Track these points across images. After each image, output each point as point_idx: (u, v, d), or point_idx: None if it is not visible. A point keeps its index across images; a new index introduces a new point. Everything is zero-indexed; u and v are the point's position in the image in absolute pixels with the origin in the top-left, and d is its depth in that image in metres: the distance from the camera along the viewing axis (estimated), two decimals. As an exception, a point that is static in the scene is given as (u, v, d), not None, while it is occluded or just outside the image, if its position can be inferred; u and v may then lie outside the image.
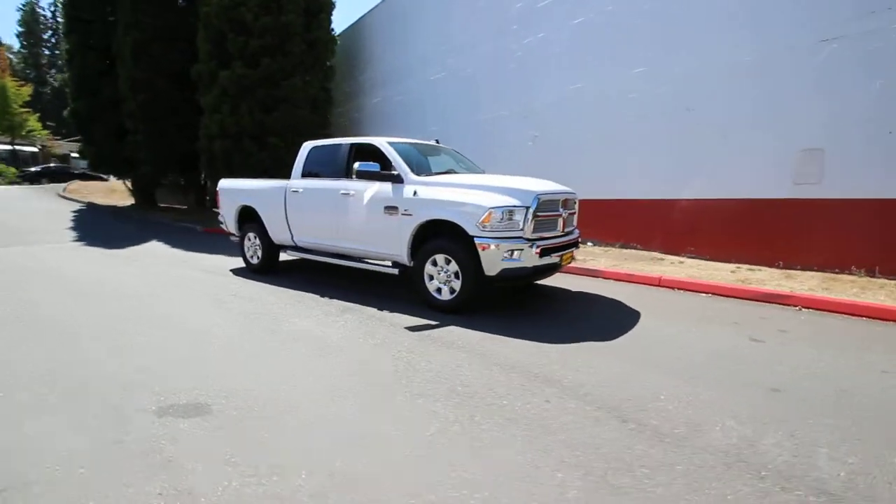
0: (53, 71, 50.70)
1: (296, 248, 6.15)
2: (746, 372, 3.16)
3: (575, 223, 5.11)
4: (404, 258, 4.84)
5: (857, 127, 5.42)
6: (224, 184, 7.14)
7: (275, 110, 12.64)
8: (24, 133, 30.66)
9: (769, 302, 4.89)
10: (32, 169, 29.18)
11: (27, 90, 30.14)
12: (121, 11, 13.89)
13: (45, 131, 34.42)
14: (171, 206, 17.72)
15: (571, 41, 8.37)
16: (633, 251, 7.51)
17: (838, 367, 3.25)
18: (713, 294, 5.27)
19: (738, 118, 6.42)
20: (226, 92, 12.30)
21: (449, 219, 4.36)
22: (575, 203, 4.98)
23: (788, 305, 4.75)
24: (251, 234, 6.64)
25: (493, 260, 4.19)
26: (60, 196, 19.96)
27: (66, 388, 2.74)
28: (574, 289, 5.60)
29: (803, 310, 4.65)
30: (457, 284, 4.43)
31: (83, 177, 26.64)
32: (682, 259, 6.89)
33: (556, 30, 8.63)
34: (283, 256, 6.64)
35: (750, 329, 4.07)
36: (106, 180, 25.02)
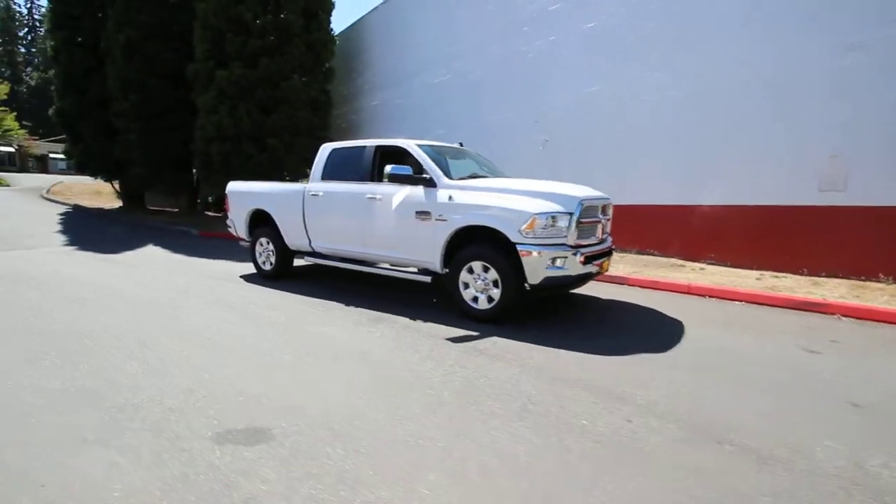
0: (30, 69, 49.19)
1: (313, 254, 5.91)
2: (816, 385, 3.05)
3: (609, 230, 5.00)
4: (436, 265, 4.66)
5: (882, 134, 5.43)
6: (233, 186, 6.86)
7: (274, 112, 12.35)
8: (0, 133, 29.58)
9: (805, 310, 4.83)
10: None
11: (4, 88, 29.10)
12: (113, 8, 13.41)
13: (22, 131, 33.29)
14: (161, 209, 17.18)
15: (584, 44, 8.30)
16: (651, 257, 7.45)
17: (905, 379, 3.18)
18: (746, 302, 5.20)
19: (759, 123, 6.41)
20: (224, 92, 11.97)
21: (489, 225, 4.19)
22: (610, 209, 4.86)
23: (826, 314, 4.70)
24: (263, 240, 6.37)
25: (537, 268, 4.03)
26: (44, 198, 19.22)
27: (109, 414, 2.49)
28: (602, 296, 5.48)
29: (842, 318, 4.60)
30: (495, 293, 4.26)
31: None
32: (702, 266, 6.84)
33: (568, 33, 8.56)
34: (296, 262, 6.41)
35: (800, 339, 3.99)
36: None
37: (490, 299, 4.31)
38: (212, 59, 12.10)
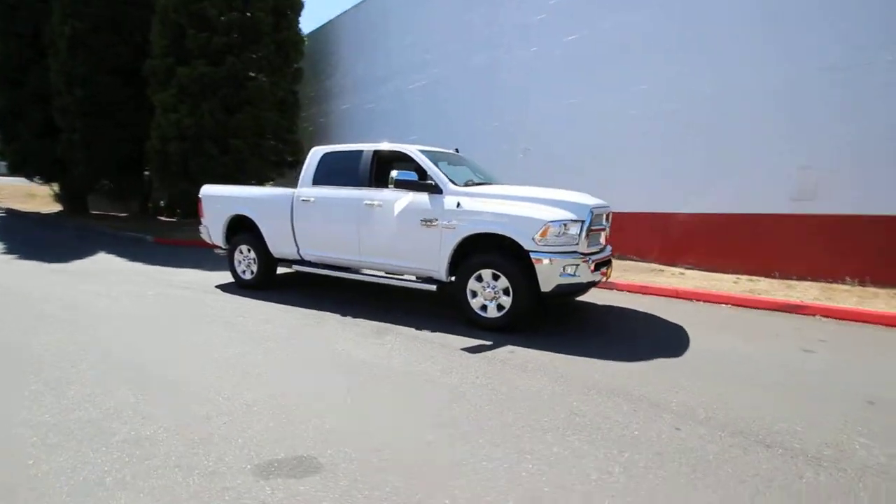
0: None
1: (301, 262, 5.62)
2: (827, 384, 3.20)
3: (608, 237, 5.08)
4: (441, 273, 4.54)
5: (848, 150, 5.88)
6: (209, 190, 6.42)
7: (238, 112, 11.78)
8: None
9: (787, 311, 5.11)
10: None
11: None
12: (58, -2, 12.37)
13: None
14: (105, 214, 15.91)
15: (565, 57, 8.48)
16: (632, 262, 7.67)
17: (900, 377, 3.40)
18: (732, 305, 5.44)
19: (735, 137, 6.76)
20: (185, 90, 11.28)
21: (501, 232, 4.13)
22: (610, 217, 4.94)
23: (807, 315, 4.99)
24: (244, 247, 6.00)
25: (550, 275, 4.01)
26: (-35, 201, 17.33)
27: (122, 450, 2.19)
28: (596, 301, 5.56)
29: (822, 318, 4.90)
30: (505, 301, 4.20)
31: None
32: (681, 271, 7.12)
33: (549, 45, 8.71)
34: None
35: (794, 340, 4.19)
36: None
37: (500, 307, 4.24)
38: (171, 55, 11.39)
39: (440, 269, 4.53)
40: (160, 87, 11.62)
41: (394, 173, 4.50)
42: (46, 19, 13.03)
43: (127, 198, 15.38)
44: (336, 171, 5.28)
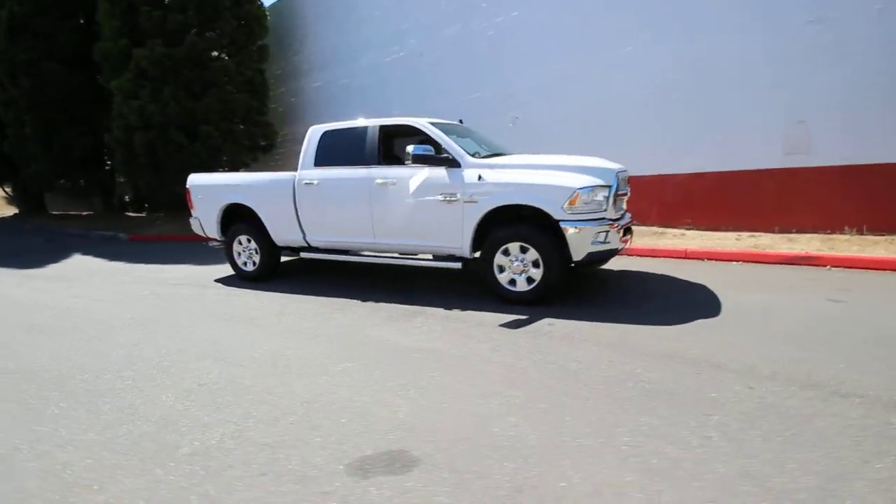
0: None
1: (308, 249, 5.37)
2: (865, 331, 3.25)
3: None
4: (465, 250, 4.40)
5: (840, 101, 5.98)
6: (197, 179, 6.01)
7: (205, 95, 11.09)
8: None
9: (798, 264, 5.25)
10: None
11: None
12: (-13, -24, 11.16)
13: None
14: (66, 213, 14.90)
15: (550, 19, 8.26)
16: (633, 227, 7.71)
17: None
18: (743, 262, 5.55)
19: (727, 95, 6.78)
20: (144, 74, 10.51)
21: (529, 203, 4.01)
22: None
23: (818, 266, 5.13)
24: (243, 238, 5.68)
25: (582, 244, 3.94)
26: None
27: (195, 462, 2.00)
28: (613, 267, 5.55)
29: (832, 269, 5.05)
30: (535, 273, 4.11)
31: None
32: (682, 231, 7.21)
33: (531, 8, 8.46)
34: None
35: (816, 291, 4.29)
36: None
37: (529, 280, 4.16)
38: (125, 36, 10.51)
39: (463, 246, 4.39)
40: (115, 72, 10.77)
41: (409, 148, 4.27)
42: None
43: (89, 194, 14.42)
44: (340, 150, 5.00)
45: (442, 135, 4.49)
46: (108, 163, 13.27)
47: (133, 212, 14.89)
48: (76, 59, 11.28)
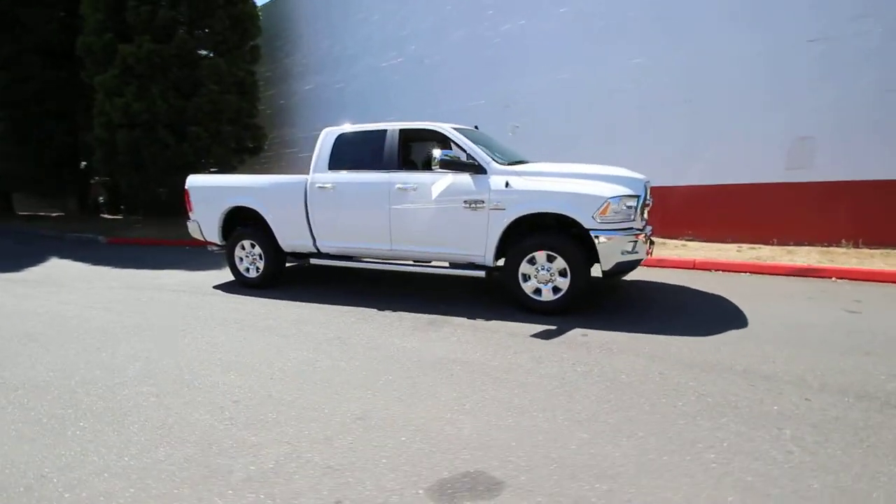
0: None
1: (317, 255, 5.18)
2: (893, 340, 3.33)
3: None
4: (488, 258, 4.31)
5: (841, 118, 6.19)
6: (198, 181, 5.74)
7: (194, 95, 10.73)
8: None
9: (804, 276, 5.36)
10: None
11: None
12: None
13: None
14: (35, 214, 14.10)
15: (557, 30, 8.33)
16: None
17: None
18: (751, 273, 5.63)
19: (730, 110, 6.95)
20: (130, 70, 10.09)
21: (559, 211, 3.95)
22: (647, 191, 4.90)
23: (823, 278, 5.25)
24: (246, 242, 5.44)
25: (612, 253, 3.90)
26: None
27: (257, 489, 1.83)
28: (625, 277, 5.55)
29: (837, 280, 5.18)
30: (562, 283, 4.05)
31: None
32: (683, 242, 7.32)
33: (538, 17, 8.53)
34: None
35: (832, 302, 4.37)
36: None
37: (556, 290, 4.09)
38: (110, 30, 10.08)
39: (486, 254, 4.30)
40: (99, 68, 10.30)
41: (437, 152, 4.17)
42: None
43: (62, 195, 13.70)
44: (356, 154, 4.85)
45: (467, 141, 4.41)
46: (84, 162, 12.64)
47: (108, 214, 14.22)
48: (57, 54, 10.74)
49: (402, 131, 4.71)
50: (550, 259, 4.06)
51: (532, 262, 4.13)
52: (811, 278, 5.31)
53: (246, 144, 12.42)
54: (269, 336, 3.73)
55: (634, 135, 7.74)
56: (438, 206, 4.37)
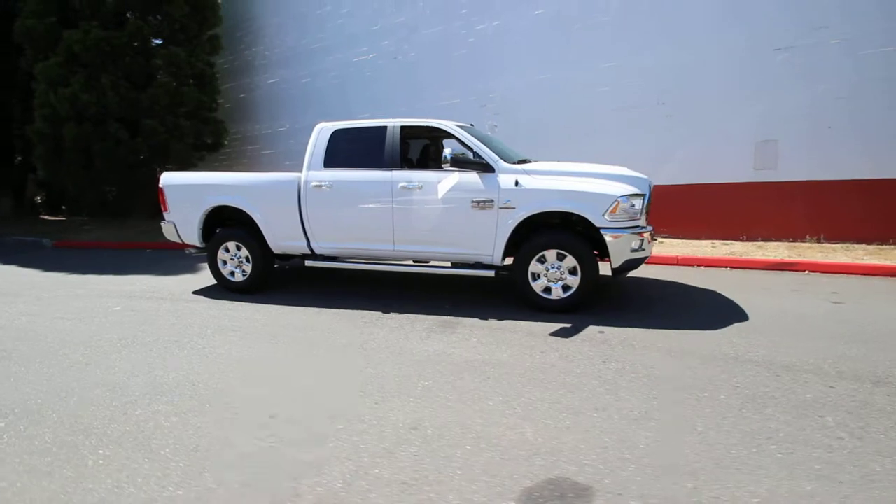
0: None
1: (311, 257, 4.95)
2: (885, 330, 3.56)
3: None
4: (496, 258, 4.27)
5: (804, 122, 6.64)
6: (175, 178, 5.33)
7: (149, 86, 9.99)
8: None
9: (780, 269, 5.71)
10: None
11: None
12: None
13: None
14: (-41, 216, 12.65)
15: (533, 31, 8.42)
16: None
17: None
18: (732, 268, 5.94)
19: (702, 113, 7.30)
20: (76, 59, 9.25)
21: (571, 210, 3.97)
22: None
23: (797, 271, 5.62)
24: (231, 244, 5.11)
25: (622, 251, 3.97)
26: None
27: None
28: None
29: (810, 273, 5.55)
30: (572, 281, 4.08)
31: None
32: (660, 239, 7.60)
33: (514, 18, 8.58)
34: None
35: (813, 294, 4.66)
36: None
37: (565, 288, 4.12)
38: (53, 14, 9.19)
39: (494, 253, 4.26)
40: (40, 55, 9.37)
41: (447, 151, 4.07)
42: None
43: (-7, 194, 12.38)
44: (354, 151, 4.67)
45: (474, 139, 4.34)
46: (19, 158, 11.48)
47: (47, 214, 13.01)
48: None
49: (403, 128, 4.58)
50: (561, 257, 4.08)
51: (542, 260, 4.13)
52: (786, 272, 5.67)
53: (205, 140, 11.72)
54: (277, 344, 3.51)
55: (610, 135, 7.96)
56: (445, 205, 4.28)
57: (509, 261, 4.37)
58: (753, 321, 3.85)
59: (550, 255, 4.10)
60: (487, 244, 4.25)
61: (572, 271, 4.07)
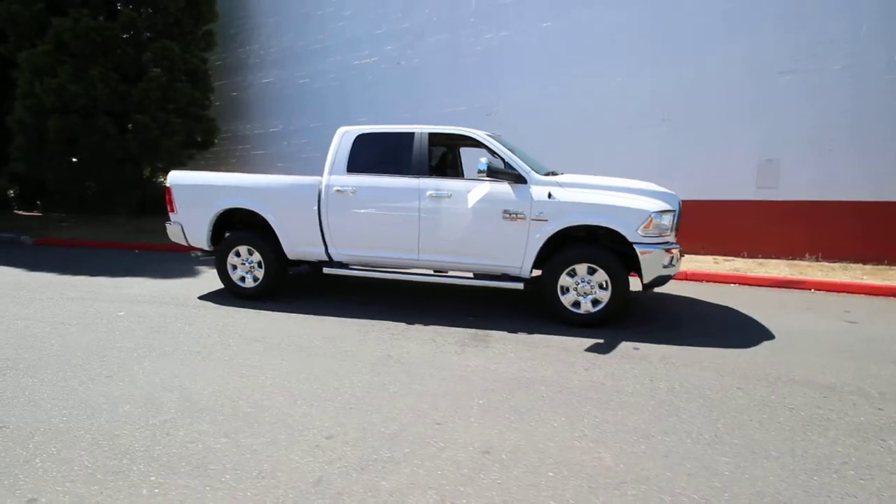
0: None
1: (328, 264, 4.78)
2: (907, 351, 3.68)
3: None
4: (525, 270, 4.22)
5: (805, 143, 6.86)
6: (182, 178, 5.10)
7: (140, 80, 9.62)
8: None
9: (786, 287, 5.84)
10: None
11: None
12: None
13: None
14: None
15: (541, 43, 8.47)
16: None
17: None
18: (739, 284, 6.04)
19: (706, 131, 7.46)
20: (65, 47, 8.81)
21: (605, 224, 3.95)
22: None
23: (803, 289, 5.76)
24: (242, 248, 4.90)
25: (654, 266, 3.97)
26: None
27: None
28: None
29: (815, 291, 5.70)
30: (602, 296, 4.06)
31: None
32: (663, 253, 7.70)
33: (522, 30, 8.62)
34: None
35: (827, 313, 4.76)
36: None
37: (595, 303, 4.09)
38: (40, 0, 8.73)
39: (523, 266, 4.20)
40: (25, 42, 8.89)
41: (482, 160, 4.01)
42: None
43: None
44: (379, 157, 4.55)
45: (505, 149, 4.30)
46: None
47: (21, 210, 12.33)
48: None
49: (431, 135, 4.49)
50: (591, 272, 4.05)
51: (571, 274, 4.10)
52: (793, 289, 5.80)
53: (195, 138, 11.35)
54: (308, 356, 3.35)
55: (614, 150, 8.04)
56: (475, 215, 4.21)
57: (535, 273, 4.33)
58: (781, 340, 3.89)
59: (581, 268, 4.07)
60: (517, 256, 4.19)
61: (602, 286, 4.05)
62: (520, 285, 4.26)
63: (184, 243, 5.18)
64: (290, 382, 2.88)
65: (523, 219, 4.10)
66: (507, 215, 4.13)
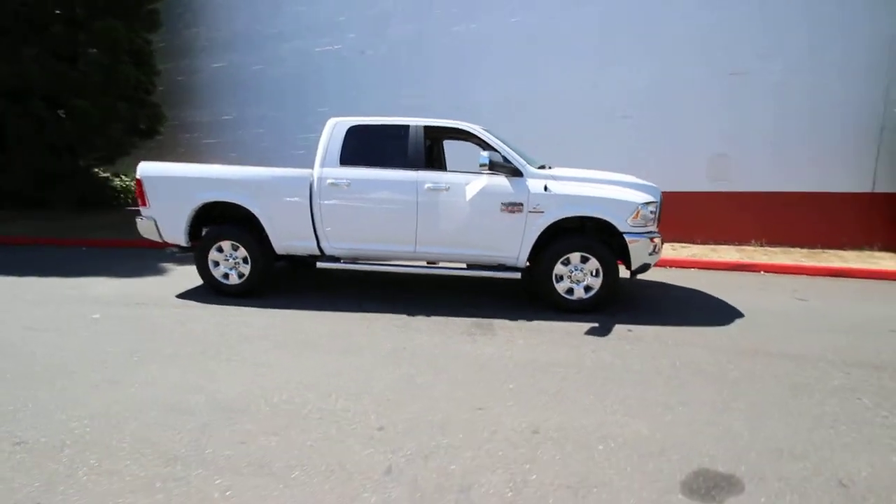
0: None
1: (320, 258, 4.70)
2: (861, 323, 4.14)
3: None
4: (521, 260, 4.38)
5: (757, 138, 7.53)
6: (154, 169, 4.78)
7: (79, 61, 8.79)
8: None
9: (739, 270, 6.44)
10: None
11: None
12: None
13: None
14: None
15: (508, 38, 8.63)
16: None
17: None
18: (698, 269, 6.58)
19: (666, 126, 7.98)
20: (-12, 23, 7.84)
21: (598, 215, 4.18)
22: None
23: (754, 272, 6.37)
24: (225, 244, 4.70)
25: (641, 254, 4.26)
26: None
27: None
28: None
29: (765, 273, 6.33)
30: (594, 283, 4.31)
31: None
32: (626, 241, 8.20)
33: (490, 24, 8.73)
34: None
35: (779, 293, 5.31)
36: None
37: (587, 289, 4.33)
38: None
39: (520, 256, 4.36)
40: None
41: (484, 154, 4.09)
42: None
43: None
44: (374, 149, 4.51)
45: (501, 143, 4.40)
46: None
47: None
48: None
49: (426, 128, 4.51)
50: (584, 260, 4.29)
51: (565, 262, 4.31)
52: (745, 272, 6.40)
53: (138, 125, 10.54)
54: (321, 353, 3.32)
55: (579, 145, 8.39)
56: (473, 207, 4.30)
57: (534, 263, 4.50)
58: (751, 318, 4.30)
59: (574, 257, 4.29)
60: (514, 246, 4.34)
61: (594, 273, 4.29)
62: (517, 275, 4.42)
63: (157, 239, 4.86)
64: (315, 378, 2.86)
65: (521, 210, 4.25)
66: (506, 207, 4.26)
